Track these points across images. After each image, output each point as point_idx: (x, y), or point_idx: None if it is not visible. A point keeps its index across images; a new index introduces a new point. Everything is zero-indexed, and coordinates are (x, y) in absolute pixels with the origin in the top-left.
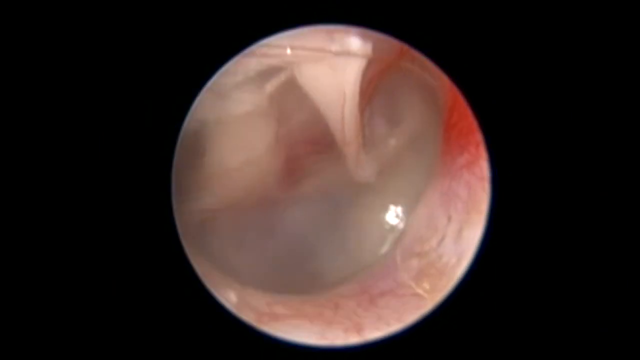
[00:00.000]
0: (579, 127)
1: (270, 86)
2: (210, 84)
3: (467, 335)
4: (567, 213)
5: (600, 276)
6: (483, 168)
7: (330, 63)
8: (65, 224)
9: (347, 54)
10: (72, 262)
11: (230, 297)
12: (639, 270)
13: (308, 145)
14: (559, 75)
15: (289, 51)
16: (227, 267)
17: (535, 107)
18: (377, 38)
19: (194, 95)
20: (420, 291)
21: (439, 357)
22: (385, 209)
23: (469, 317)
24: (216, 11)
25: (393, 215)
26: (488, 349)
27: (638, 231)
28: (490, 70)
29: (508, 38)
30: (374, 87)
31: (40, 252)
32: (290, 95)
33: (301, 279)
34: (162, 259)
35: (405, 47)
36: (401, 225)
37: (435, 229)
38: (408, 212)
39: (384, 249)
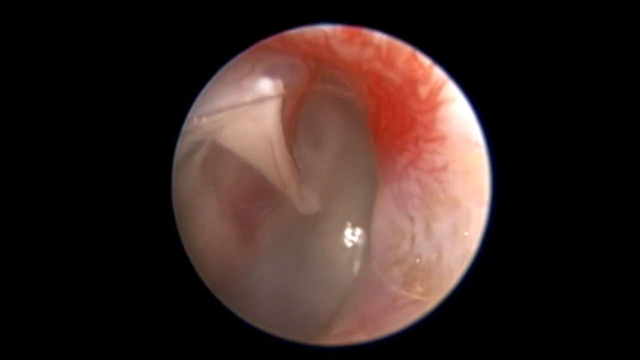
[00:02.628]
0: (579, 127)
1: (198, 161)
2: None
3: (466, 335)
4: (567, 212)
5: (600, 277)
6: (427, 160)
7: (249, 115)
8: (65, 225)
9: (260, 99)
10: (72, 263)
11: None
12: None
13: (250, 201)
14: (560, 72)
15: (205, 120)
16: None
17: (536, 104)
18: (284, 70)
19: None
20: (416, 296)
21: (439, 357)
22: (341, 231)
23: (468, 318)
24: (214, 12)
25: (351, 234)
26: (487, 349)
27: (638, 231)
28: (490, 69)
29: (508, 37)
30: (295, 122)
31: (40, 252)
32: (218, 159)
33: (301, 327)
34: (162, 260)
35: (314, 68)
36: (363, 241)
37: (402, 233)
38: (366, 226)
39: (356, 268)
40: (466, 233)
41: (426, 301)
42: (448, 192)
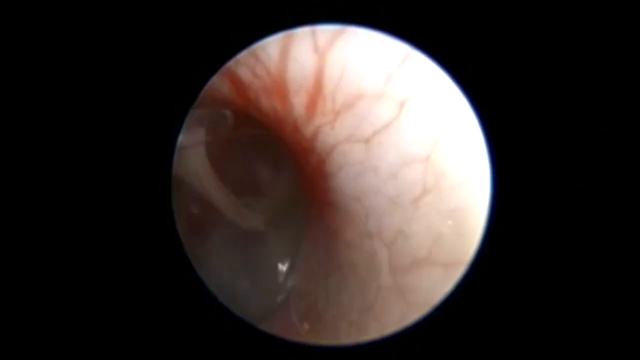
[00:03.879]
0: (579, 127)
1: None
2: None
3: (467, 335)
4: (567, 212)
5: (600, 277)
6: (326, 220)
7: (177, 159)
8: (65, 226)
9: (182, 148)
10: (71, 262)
11: None
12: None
13: (197, 209)
14: (560, 73)
15: None
16: None
17: (536, 104)
18: (210, 121)
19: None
20: (302, 332)
21: (440, 357)
22: (277, 253)
23: (468, 318)
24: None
25: (284, 263)
26: (487, 349)
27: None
28: (491, 69)
29: (509, 37)
30: (224, 161)
31: (40, 252)
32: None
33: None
34: (162, 261)
35: (242, 116)
36: (290, 268)
37: (312, 274)
38: (294, 256)
39: (282, 291)
40: (346, 296)
41: (305, 340)
42: (335, 254)
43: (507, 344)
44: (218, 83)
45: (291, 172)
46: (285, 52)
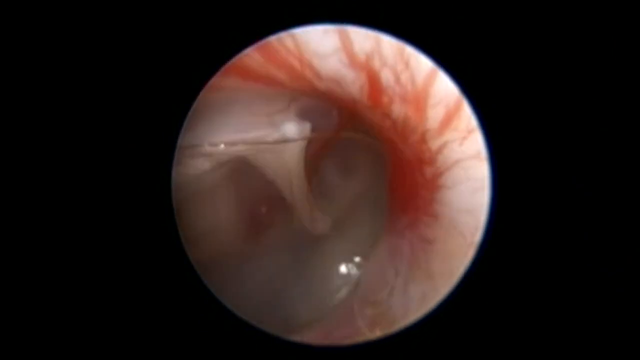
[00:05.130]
0: (579, 127)
1: (223, 170)
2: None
3: (467, 335)
4: (567, 212)
5: (600, 277)
6: (421, 229)
7: (271, 150)
8: (64, 222)
9: (285, 141)
10: (71, 262)
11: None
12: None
13: (266, 205)
14: (560, 73)
15: (232, 148)
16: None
17: (536, 104)
18: (318, 114)
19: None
20: (372, 337)
21: (440, 357)
22: (342, 259)
23: (468, 318)
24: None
25: (350, 265)
26: (487, 349)
27: (638, 231)
28: (491, 69)
29: (509, 38)
30: (319, 159)
31: (40, 252)
32: (243, 169)
33: (273, 323)
34: (163, 262)
35: (347, 116)
36: (357, 275)
37: (385, 282)
38: (363, 262)
39: (342, 295)
40: (430, 305)
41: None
42: (428, 264)
43: (507, 344)
44: (350, 76)
45: (376, 178)
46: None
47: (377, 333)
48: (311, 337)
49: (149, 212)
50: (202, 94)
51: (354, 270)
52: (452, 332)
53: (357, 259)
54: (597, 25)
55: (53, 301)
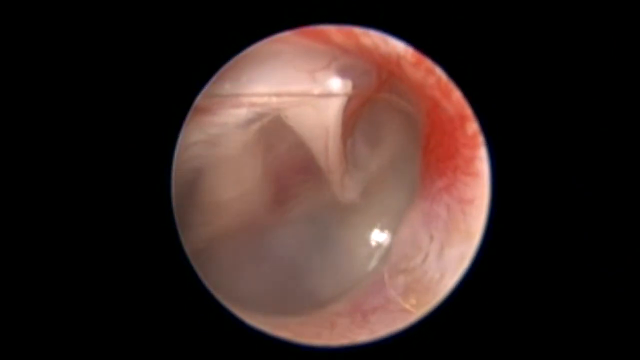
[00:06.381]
0: (579, 127)
1: (257, 127)
2: (198, 126)
3: (467, 335)
4: (567, 212)
5: (600, 277)
6: (460, 190)
7: (314, 104)
8: (66, 228)
9: (328, 95)
10: (70, 260)
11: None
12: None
13: (294, 173)
14: (560, 73)
15: (275, 99)
16: (229, 295)
17: (536, 104)
18: (357, 73)
19: (190, 100)
20: (407, 306)
21: (440, 357)
22: (370, 228)
23: (469, 318)
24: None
25: (378, 234)
26: (487, 349)
27: (638, 231)
28: (491, 69)
29: (509, 38)
30: (355, 119)
31: (40, 253)
32: (276, 130)
33: (296, 300)
34: (163, 263)
35: (385, 78)
36: (387, 243)
37: (419, 247)
38: (393, 230)
39: (371, 266)
40: (466, 264)
41: (413, 313)
42: (468, 224)
43: (506, 344)
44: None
45: (396, 146)
46: None
47: (412, 301)
48: (339, 308)
49: (149, 212)
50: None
51: (384, 240)
52: (452, 332)
53: (387, 228)
54: (597, 25)
55: (53, 300)
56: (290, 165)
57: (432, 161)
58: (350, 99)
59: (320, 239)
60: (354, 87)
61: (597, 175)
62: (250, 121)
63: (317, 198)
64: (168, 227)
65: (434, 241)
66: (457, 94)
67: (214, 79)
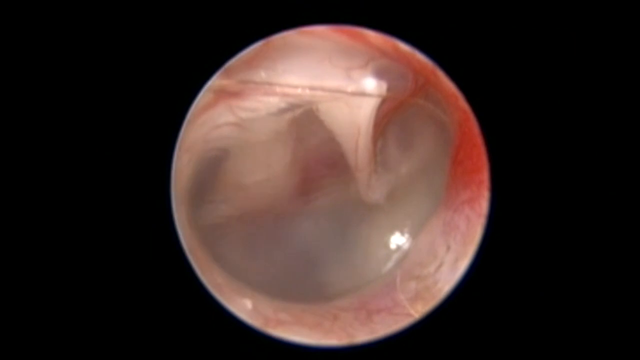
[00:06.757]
0: (579, 127)
1: (290, 116)
2: (229, 108)
3: (467, 336)
4: (567, 212)
5: (600, 277)
6: (482, 206)
7: (347, 101)
8: (66, 227)
9: (362, 94)
10: (72, 265)
11: (245, 304)
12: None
13: (322, 167)
14: (560, 73)
15: (308, 91)
16: (238, 272)
17: (536, 104)
18: (393, 76)
19: (191, 96)
20: (412, 312)
21: (439, 357)
22: (392, 230)
23: (468, 318)
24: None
25: (399, 237)
26: (487, 350)
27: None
28: (491, 69)
29: (509, 38)
30: (387, 121)
31: (40, 252)
32: (308, 123)
33: (306, 289)
34: (163, 262)
35: (421, 84)
36: (405, 247)
37: (435, 256)
38: (413, 236)
39: (387, 268)
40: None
41: (416, 319)
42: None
43: (506, 344)
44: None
45: (427, 153)
46: None
47: (419, 308)
48: (345, 303)
49: (148, 211)
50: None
51: (403, 244)
52: (452, 332)
53: (407, 233)
54: (596, 24)
55: (54, 300)
56: (319, 159)
57: (459, 173)
58: (384, 100)
59: (339, 234)
60: (389, 89)
61: (597, 175)
62: (282, 110)
63: (342, 194)
64: (168, 226)
65: (450, 251)
66: None
67: (240, 64)
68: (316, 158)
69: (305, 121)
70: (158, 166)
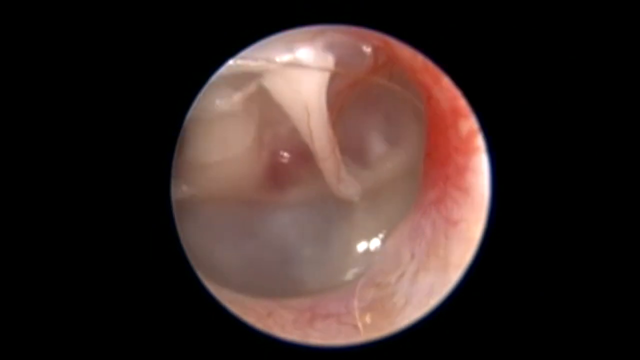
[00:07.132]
0: (579, 127)
1: (245, 91)
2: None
3: (467, 336)
4: (567, 212)
5: (600, 277)
6: (448, 207)
7: (283, 75)
8: (65, 226)
9: (297, 65)
10: (70, 258)
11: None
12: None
13: (290, 153)
14: (560, 73)
15: (251, 63)
16: (204, 261)
17: (536, 104)
18: (348, 52)
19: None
20: (359, 324)
21: (439, 357)
22: (365, 231)
23: (468, 318)
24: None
25: (373, 239)
26: (487, 350)
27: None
28: (491, 69)
29: (509, 38)
30: (343, 102)
31: (40, 252)
32: (265, 102)
33: (272, 281)
34: (160, 259)
35: (382, 62)
36: (375, 251)
37: (398, 263)
38: (384, 239)
39: (351, 274)
40: (431, 302)
41: (360, 333)
42: (447, 252)
43: (506, 344)
44: None
45: (411, 147)
46: None
47: (367, 320)
48: (298, 302)
49: (148, 211)
50: None
51: (374, 248)
52: (452, 332)
53: (380, 236)
54: (596, 25)
55: (53, 299)
56: (285, 144)
57: (428, 167)
58: (333, 76)
59: (314, 228)
60: (339, 64)
61: (597, 175)
62: (236, 79)
63: (313, 186)
64: (167, 225)
65: (414, 260)
66: (446, 80)
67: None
68: (282, 142)
69: (261, 99)
70: (157, 161)
